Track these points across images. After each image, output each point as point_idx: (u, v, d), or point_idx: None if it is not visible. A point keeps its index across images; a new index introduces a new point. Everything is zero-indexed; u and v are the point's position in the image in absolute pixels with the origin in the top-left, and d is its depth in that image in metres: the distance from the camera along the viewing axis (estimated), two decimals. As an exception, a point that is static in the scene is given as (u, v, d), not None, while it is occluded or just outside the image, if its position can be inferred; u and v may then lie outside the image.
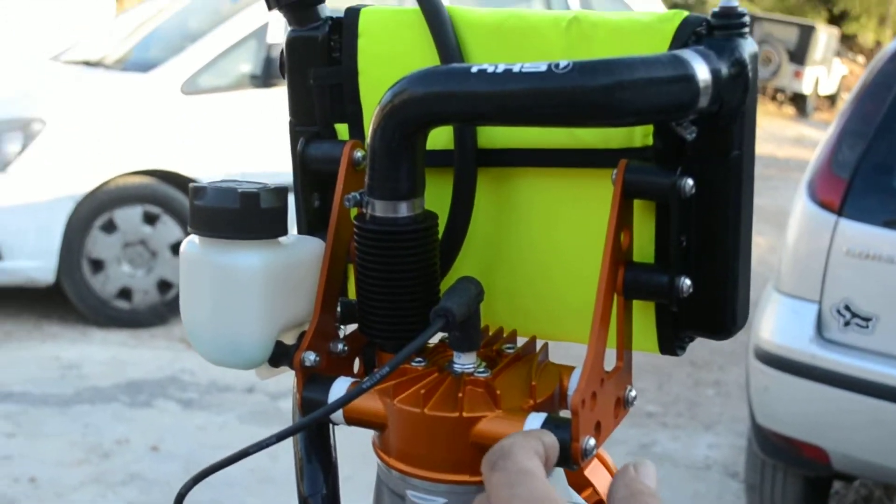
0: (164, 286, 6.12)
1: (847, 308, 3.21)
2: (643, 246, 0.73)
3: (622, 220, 0.70)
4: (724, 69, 0.67)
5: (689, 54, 0.66)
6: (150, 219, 6.07)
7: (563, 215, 0.77)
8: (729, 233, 0.71)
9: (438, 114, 0.69)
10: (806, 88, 18.96)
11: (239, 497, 3.78)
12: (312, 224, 0.83)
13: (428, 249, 0.74)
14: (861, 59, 23.72)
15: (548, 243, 0.78)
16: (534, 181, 0.77)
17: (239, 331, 0.74)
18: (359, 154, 0.78)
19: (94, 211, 5.93)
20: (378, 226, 0.73)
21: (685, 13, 0.72)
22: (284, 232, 0.74)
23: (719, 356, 5.93)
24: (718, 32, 0.69)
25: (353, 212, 0.77)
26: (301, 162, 0.82)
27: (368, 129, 0.73)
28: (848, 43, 24.08)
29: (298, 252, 0.76)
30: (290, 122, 0.84)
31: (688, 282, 0.71)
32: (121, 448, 4.41)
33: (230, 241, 0.73)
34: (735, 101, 0.68)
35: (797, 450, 3.36)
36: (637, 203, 0.72)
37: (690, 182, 0.69)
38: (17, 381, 5.08)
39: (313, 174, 0.82)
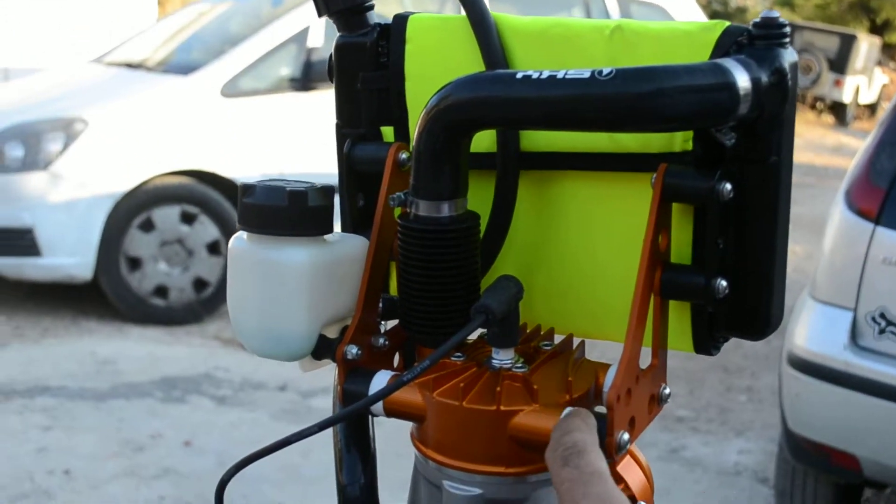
0: (200, 284, 6.18)
1: (882, 316, 3.20)
2: (680, 248, 0.75)
3: (660, 222, 0.72)
4: (764, 78, 0.68)
5: (730, 63, 0.67)
6: (187, 218, 6.13)
7: (602, 218, 0.79)
8: (766, 236, 0.73)
9: (483, 118, 0.72)
10: (846, 97, 18.86)
11: (268, 493, 3.81)
12: (357, 223, 0.85)
13: (469, 248, 0.76)
14: (902, 68, 23.52)
15: (587, 245, 0.80)
16: (574, 184, 0.79)
17: (284, 324, 0.76)
18: (403, 156, 0.80)
19: (132, 210, 5.99)
20: (421, 225, 0.75)
21: (727, 23, 0.74)
22: (330, 230, 0.77)
23: (752, 362, 5.91)
24: (759, 42, 0.70)
25: (397, 211, 0.80)
26: (347, 163, 0.84)
27: (413, 131, 0.76)
28: (889, 52, 23.89)
29: (343, 249, 0.79)
30: (337, 125, 0.86)
31: (724, 283, 0.72)
32: (154, 442, 4.46)
33: (278, 237, 0.75)
34: (774, 108, 0.70)
35: (828, 456, 3.35)
36: (675, 206, 0.74)
37: (729, 186, 0.71)
38: (54, 376, 5.15)
39: (359, 175, 0.84)
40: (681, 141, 0.73)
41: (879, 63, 21.07)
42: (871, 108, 20.23)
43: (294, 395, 5.04)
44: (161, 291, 6.13)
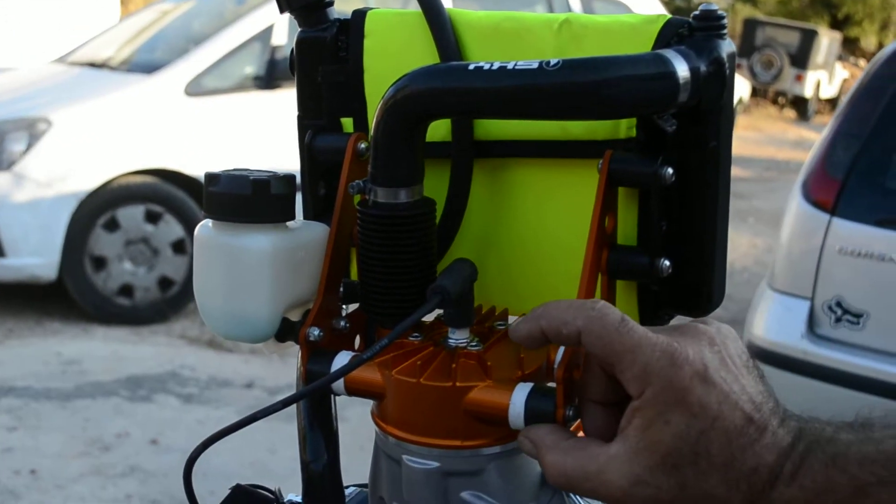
0: (166, 283, 6.17)
1: (839, 305, 3.27)
2: (626, 230, 0.79)
3: (607, 205, 0.76)
4: (703, 67, 0.72)
5: (670, 53, 0.71)
6: (152, 217, 6.12)
7: (552, 202, 0.82)
8: (706, 218, 0.77)
9: (438, 108, 0.75)
10: (807, 92, 19.04)
11: (238, 491, 3.82)
12: (318, 210, 0.88)
13: (426, 233, 0.80)
14: (863, 63, 23.75)
15: (538, 228, 0.83)
16: (526, 171, 0.83)
17: (248, 307, 0.79)
18: (362, 145, 0.84)
19: (97, 209, 5.97)
20: (380, 211, 0.78)
21: (668, 16, 0.78)
22: (292, 217, 0.80)
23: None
24: (699, 33, 0.74)
25: (357, 199, 0.83)
26: (308, 153, 0.87)
27: (372, 122, 0.79)
28: (850, 47, 24.14)
29: (305, 235, 0.82)
30: (299, 116, 0.89)
31: (667, 263, 0.76)
32: (121, 441, 4.46)
33: (242, 224, 0.78)
34: (713, 96, 0.73)
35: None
36: (621, 190, 0.78)
37: (671, 171, 0.74)
38: (19, 377, 5.13)
39: (320, 164, 0.88)
40: (625, 128, 0.77)
41: (840, 58, 21.28)
42: (833, 103, 20.41)
43: (260, 392, 5.06)
44: (126, 291, 6.11)
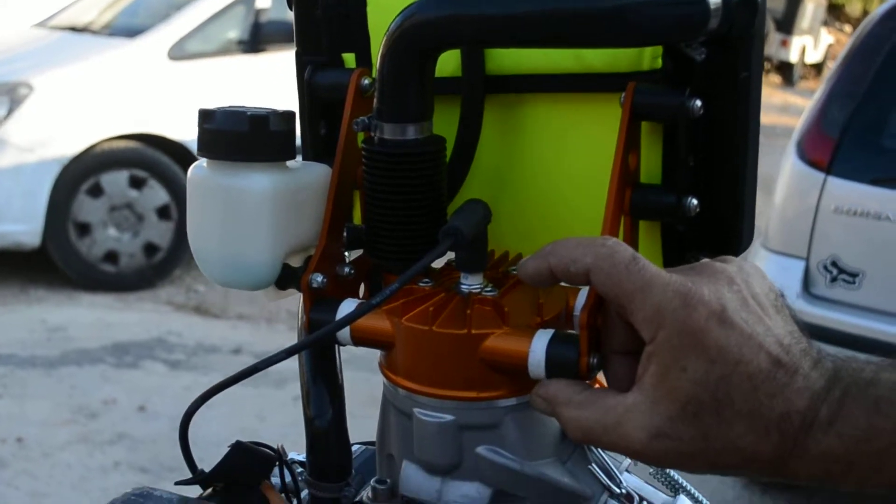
0: (151, 249, 6.11)
1: (834, 264, 3.24)
2: (650, 168, 0.74)
3: (630, 141, 0.71)
4: None
5: None
6: (136, 183, 6.05)
7: (569, 140, 0.78)
8: (736, 153, 0.72)
9: (449, 36, 0.70)
10: (792, 57, 18.96)
11: (226, 458, 3.79)
12: (319, 151, 0.83)
13: (435, 172, 0.75)
14: (848, 28, 23.72)
15: (554, 168, 0.78)
16: (541, 107, 0.78)
17: (247, 252, 0.75)
18: (366, 81, 0.79)
19: (80, 175, 5.89)
20: (386, 148, 0.73)
21: None
22: (293, 155, 0.75)
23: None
24: None
25: (360, 138, 0.78)
26: (308, 90, 0.82)
27: (375, 57, 0.74)
28: (835, 13, 24.07)
29: (306, 176, 0.77)
30: (297, 52, 0.84)
31: (695, 201, 0.72)
32: (107, 408, 4.41)
33: (239, 163, 0.73)
34: (744, 22, 0.69)
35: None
36: (644, 125, 0.73)
37: (699, 103, 0.70)
38: (4, 344, 5.07)
39: (320, 102, 0.83)
40: (649, 58, 0.72)
41: (825, 23, 21.21)
42: (818, 68, 20.38)
43: (248, 358, 5.01)
44: (111, 257, 6.05)
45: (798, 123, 3.61)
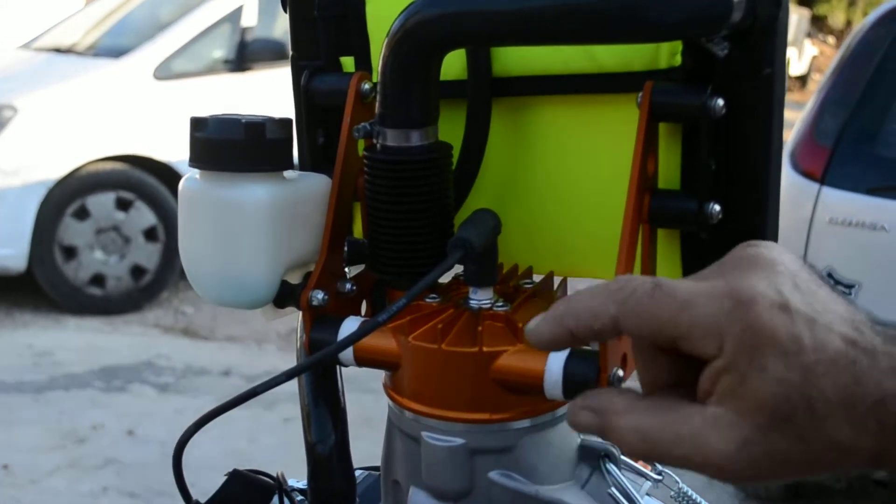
0: (138, 272, 6.05)
1: (830, 276, 3.20)
2: (668, 172, 0.70)
3: (648, 144, 0.67)
4: None
5: None
6: (123, 204, 5.99)
7: (581, 145, 0.73)
8: (760, 155, 0.68)
9: (456, 34, 0.66)
10: (776, 69, 18.99)
11: (215, 480, 3.73)
12: (317, 161, 0.79)
13: (442, 180, 0.71)
14: (831, 39, 23.82)
15: (566, 175, 0.74)
16: (551, 110, 0.74)
17: (243, 268, 0.70)
18: (366, 86, 0.75)
19: (66, 197, 5.84)
20: (390, 155, 0.69)
21: None
22: (290, 165, 0.71)
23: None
24: None
25: (361, 146, 0.74)
26: (305, 96, 0.78)
27: (376, 60, 0.70)
28: (818, 24, 24.17)
29: (305, 187, 0.73)
30: (293, 56, 0.80)
31: (717, 207, 0.68)
32: (96, 433, 4.35)
33: (234, 174, 0.69)
34: (768, 15, 0.65)
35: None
36: (662, 127, 0.69)
37: (721, 102, 0.66)
38: (-9, 370, 5.02)
39: (318, 109, 0.78)
40: (667, 56, 0.68)
41: (809, 35, 21.28)
42: (802, 80, 20.42)
43: (238, 379, 4.95)
44: (98, 280, 5.99)
45: (787, 135, 3.58)
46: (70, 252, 5.91)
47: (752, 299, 0.55)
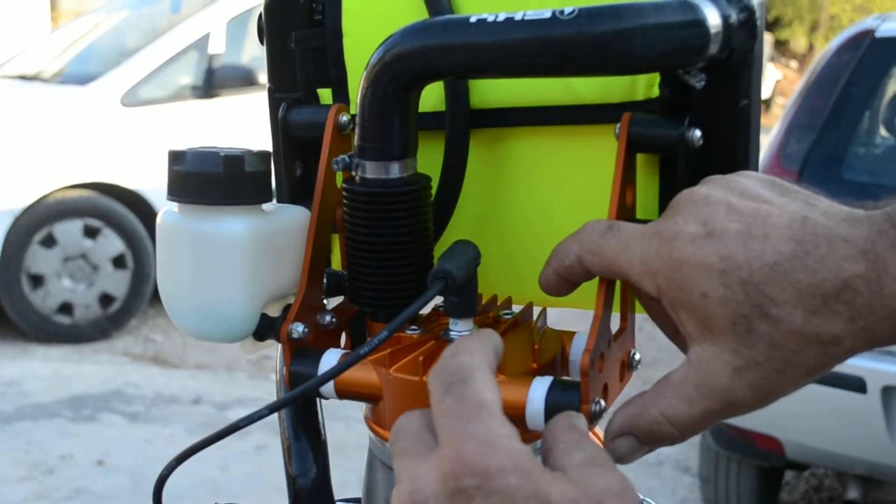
0: (106, 300, 6.01)
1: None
2: (645, 203, 0.70)
3: (627, 175, 0.68)
4: (734, 15, 0.64)
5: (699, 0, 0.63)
6: (90, 232, 5.96)
7: (559, 176, 0.74)
8: None
9: (435, 67, 0.66)
10: (741, 93, 19.16)
11: (189, 511, 3.71)
12: (295, 194, 0.79)
13: (421, 212, 0.71)
14: (794, 64, 24.06)
15: (544, 206, 0.75)
16: (529, 142, 0.74)
17: (222, 302, 0.70)
18: (344, 118, 0.75)
19: (33, 225, 5.81)
20: (369, 187, 0.69)
21: None
22: (269, 197, 0.71)
23: (667, 354, 5.92)
24: None
25: (339, 179, 0.74)
26: (283, 129, 0.78)
27: (354, 92, 0.70)
28: (781, 49, 24.42)
29: (283, 220, 0.73)
30: (270, 89, 0.80)
31: None
32: (65, 463, 4.31)
33: (212, 207, 0.69)
34: (744, 47, 0.66)
35: (752, 441, 3.37)
36: (639, 158, 0.69)
37: (699, 133, 0.66)
38: (-43, 400, 4.96)
39: (296, 141, 0.78)
40: (644, 88, 0.69)
41: (772, 59, 21.50)
42: (766, 104, 20.60)
43: (209, 408, 4.92)
44: (66, 308, 5.95)
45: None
46: (37, 280, 5.87)
47: (674, 236, 0.60)
